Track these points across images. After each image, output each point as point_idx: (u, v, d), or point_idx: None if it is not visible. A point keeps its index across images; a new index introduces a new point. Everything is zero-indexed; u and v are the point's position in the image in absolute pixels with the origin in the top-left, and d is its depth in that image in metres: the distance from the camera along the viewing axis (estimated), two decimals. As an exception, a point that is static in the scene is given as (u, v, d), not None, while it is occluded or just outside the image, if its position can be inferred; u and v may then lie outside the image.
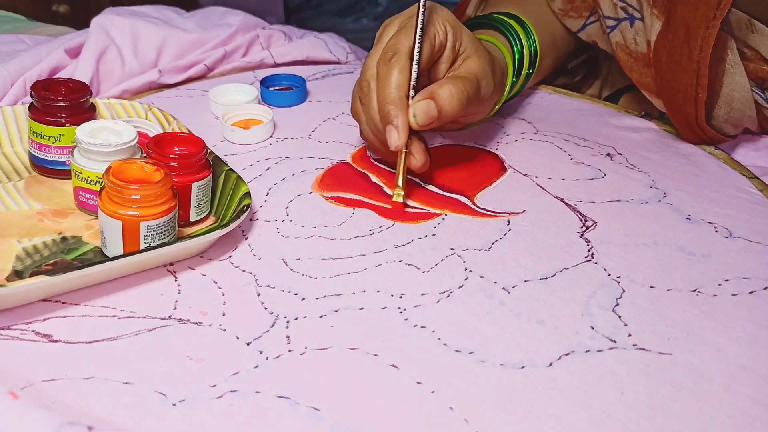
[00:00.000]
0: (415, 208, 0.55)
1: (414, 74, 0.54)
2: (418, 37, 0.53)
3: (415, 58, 0.54)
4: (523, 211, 0.55)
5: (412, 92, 0.54)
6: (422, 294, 0.46)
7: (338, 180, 0.58)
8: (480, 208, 0.56)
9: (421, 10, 0.54)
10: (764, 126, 0.66)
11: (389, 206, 0.55)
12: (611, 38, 0.68)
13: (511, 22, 0.67)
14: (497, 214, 0.55)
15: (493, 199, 0.57)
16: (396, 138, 0.52)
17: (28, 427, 0.34)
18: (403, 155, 0.54)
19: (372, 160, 0.61)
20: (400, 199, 0.54)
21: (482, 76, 0.57)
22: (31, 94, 0.55)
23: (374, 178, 0.59)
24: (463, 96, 0.53)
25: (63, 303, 0.45)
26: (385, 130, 0.53)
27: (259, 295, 0.46)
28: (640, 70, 0.66)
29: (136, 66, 0.71)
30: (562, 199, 0.57)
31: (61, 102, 0.54)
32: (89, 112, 0.56)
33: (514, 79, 0.66)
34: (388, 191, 0.57)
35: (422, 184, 0.58)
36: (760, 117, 0.64)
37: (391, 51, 0.54)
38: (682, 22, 0.59)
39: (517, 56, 0.66)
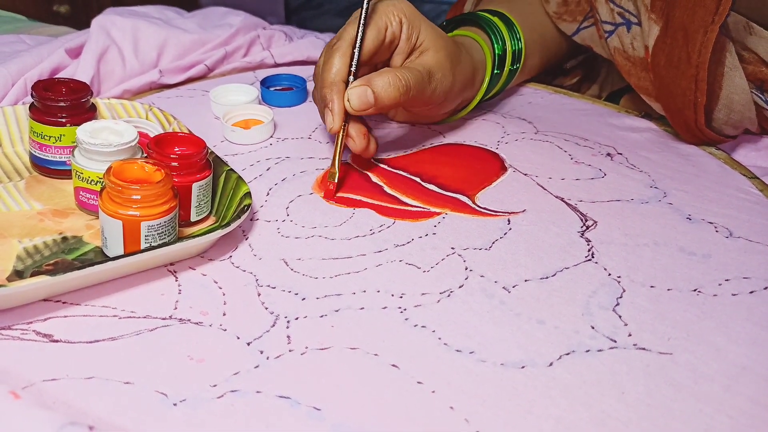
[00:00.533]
0: (415, 206, 0.55)
1: (355, 61, 0.55)
2: (361, 24, 0.55)
3: (357, 44, 0.55)
4: (523, 211, 0.55)
5: (352, 78, 0.55)
6: (423, 293, 0.46)
7: (338, 180, 0.58)
8: (480, 207, 0.56)
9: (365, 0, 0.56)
10: (764, 127, 0.66)
11: (390, 205, 0.55)
12: (609, 43, 0.68)
13: (495, 19, 0.67)
14: (498, 214, 0.55)
15: (493, 198, 0.57)
16: (330, 120, 0.54)
17: (29, 428, 0.34)
18: (340, 137, 0.55)
19: (372, 161, 0.61)
20: (335, 179, 0.56)
21: (436, 69, 0.58)
22: (31, 94, 0.55)
23: (374, 178, 0.59)
24: (401, 85, 0.54)
25: (64, 303, 0.45)
26: (323, 114, 0.55)
27: (259, 295, 0.46)
28: (638, 74, 0.66)
29: (136, 66, 0.71)
30: (562, 199, 0.57)
31: (62, 102, 0.54)
32: (90, 112, 0.56)
33: (496, 71, 0.66)
34: (389, 190, 0.57)
35: (422, 183, 0.59)
36: (760, 118, 0.64)
37: (336, 38, 0.56)
38: (681, 26, 0.59)
39: (497, 53, 0.66)
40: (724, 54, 0.60)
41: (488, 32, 0.67)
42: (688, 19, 0.58)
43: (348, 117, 0.55)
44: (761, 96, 0.62)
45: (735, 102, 0.61)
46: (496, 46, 0.66)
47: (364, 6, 0.56)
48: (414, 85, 0.56)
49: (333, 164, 0.56)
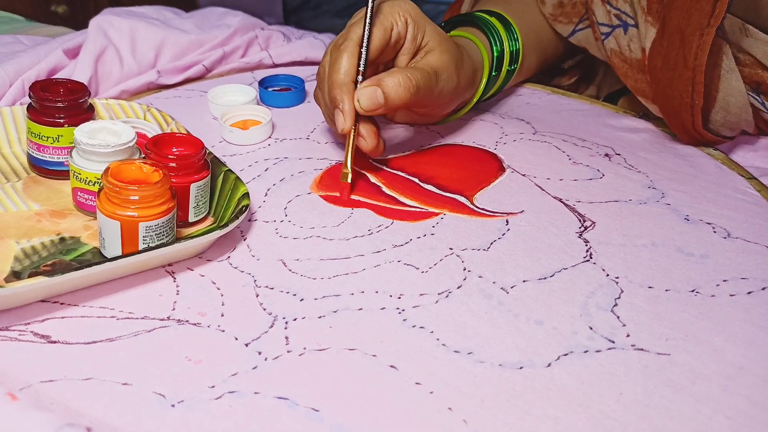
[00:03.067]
0: (413, 207, 0.55)
1: (363, 61, 0.55)
2: (367, 23, 0.55)
3: (364, 44, 0.55)
4: (521, 211, 0.55)
5: (360, 78, 0.55)
6: (421, 294, 0.46)
7: (337, 181, 0.58)
8: (479, 208, 0.56)
9: (371, 2, 0.55)
10: (762, 128, 0.66)
11: (388, 206, 0.55)
12: (606, 45, 0.68)
13: (493, 20, 0.67)
14: (496, 214, 0.55)
15: (491, 199, 0.57)
16: (342, 121, 0.54)
17: (27, 429, 0.34)
18: (351, 137, 0.55)
19: (370, 160, 0.61)
20: (348, 180, 0.55)
21: (442, 69, 0.58)
22: (29, 95, 0.55)
23: (373, 179, 0.59)
24: (411, 86, 0.54)
25: (61, 304, 0.45)
26: (334, 115, 0.55)
27: (257, 295, 0.46)
28: (635, 76, 0.66)
29: (134, 67, 0.71)
30: (560, 200, 0.57)
31: (60, 103, 0.54)
32: (88, 113, 0.56)
33: (494, 73, 0.66)
34: (387, 191, 0.57)
35: (421, 183, 0.59)
36: (757, 120, 0.64)
37: (342, 38, 0.56)
38: (677, 28, 0.59)
39: (495, 54, 0.66)
40: (721, 56, 0.60)
41: (486, 33, 0.67)
42: (684, 21, 0.58)
43: (358, 117, 0.55)
44: (757, 98, 0.62)
45: (731, 104, 0.61)
46: (494, 47, 0.66)
47: (370, 5, 0.55)
48: (423, 86, 0.56)
49: (345, 164, 0.56)
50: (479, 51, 0.65)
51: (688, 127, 0.62)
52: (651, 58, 0.62)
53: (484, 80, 0.66)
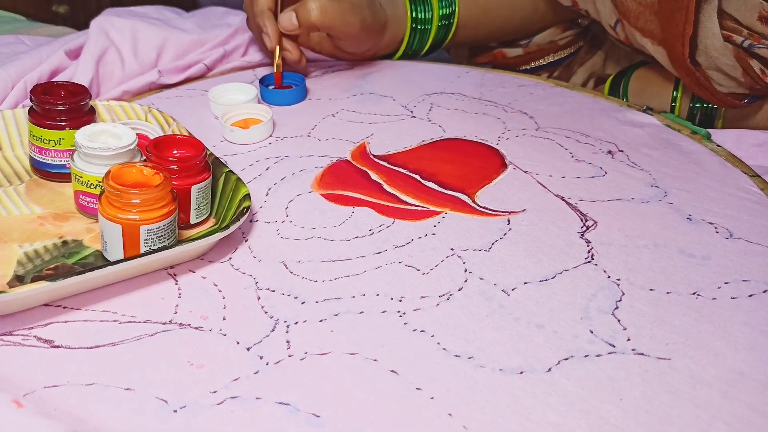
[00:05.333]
0: (414, 206, 0.55)
1: None
2: None
3: None
4: (523, 210, 0.55)
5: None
6: (422, 297, 0.46)
7: (338, 178, 0.58)
8: (480, 206, 0.56)
9: None
10: (754, 79, 0.66)
11: (389, 204, 0.55)
12: None
13: None
14: (497, 213, 0.55)
15: (493, 197, 0.57)
16: (268, 41, 0.70)
17: (30, 438, 0.35)
18: (277, 52, 0.71)
19: (371, 157, 0.61)
20: (280, 70, 0.71)
21: (355, 3, 0.69)
22: (30, 98, 0.55)
23: (374, 176, 0.59)
24: (320, 11, 0.68)
25: (64, 308, 0.45)
26: (262, 37, 0.70)
27: (259, 298, 0.46)
28: (647, 17, 0.67)
29: (136, 67, 0.71)
30: (562, 198, 0.57)
31: (61, 105, 0.54)
32: (89, 115, 0.56)
33: (417, 26, 0.77)
34: (388, 188, 0.57)
35: (422, 180, 0.58)
36: (745, 67, 0.65)
37: None
38: None
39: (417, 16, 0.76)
40: (701, 3, 0.63)
41: None
42: None
43: (281, 37, 0.71)
44: (742, 45, 0.63)
45: (709, 47, 0.65)
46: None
47: None
48: (332, 13, 0.68)
49: (274, 62, 0.71)
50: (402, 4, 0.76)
51: (680, 59, 0.66)
52: None
53: (408, 27, 0.76)
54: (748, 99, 0.69)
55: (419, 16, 0.77)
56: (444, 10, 0.78)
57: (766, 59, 0.64)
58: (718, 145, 0.64)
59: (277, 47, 0.71)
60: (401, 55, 0.79)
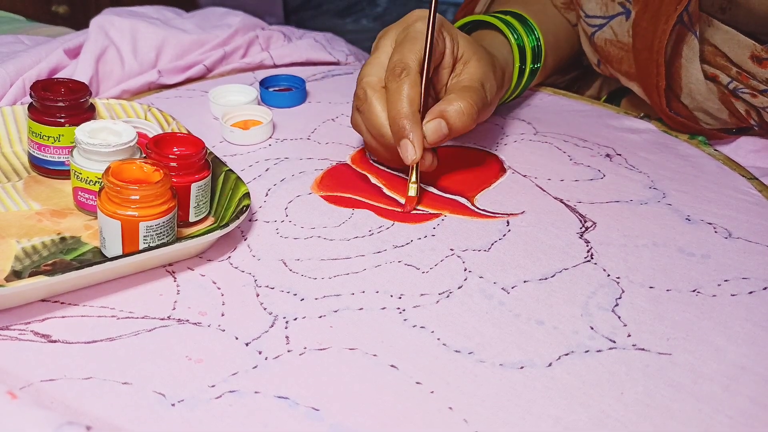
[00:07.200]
0: (414, 209, 0.55)
1: (423, 89, 0.54)
2: (428, 53, 0.54)
3: (425, 70, 0.54)
4: (522, 212, 0.55)
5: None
6: (421, 294, 0.46)
7: (337, 181, 0.58)
8: (479, 209, 0.56)
9: (430, 28, 0.54)
10: (738, 118, 0.66)
11: (388, 207, 0.55)
12: (596, 38, 0.68)
13: (509, 18, 0.67)
14: (497, 215, 0.55)
15: (492, 200, 0.57)
16: (412, 152, 0.53)
17: (26, 427, 0.34)
18: (416, 166, 0.55)
19: (371, 162, 0.61)
20: (415, 193, 0.55)
21: (485, 78, 0.57)
22: (30, 95, 0.55)
23: (373, 180, 0.59)
24: (473, 111, 0.54)
25: (62, 303, 0.45)
26: (399, 145, 0.53)
27: (258, 295, 0.46)
28: (630, 62, 0.67)
29: (135, 66, 0.71)
30: (561, 200, 0.57)
31: (61, 102, 0.54)
32: (88, 113, 0.56)
33: (522, 66, 0.66)
34: (388, 192, 0.57)
35: (422, 185, 0.58)
36: (728, 106, 0.65)
37: (400, 66, 0.54)
38: (653, 11, 0.61)
39: (519, 43, 0.66)
40: (682, 45, 0.62)
41: (505, 30, 0.66)
42: (658, 4, 0.61)
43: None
44: (727, 88, 0.63)
45: (694, 91, 0.64)
46: (518, 43, 0.66)
47: (430, 31, 0.54)
48: (480, 106, 0.55)
49: (410, 180, 0.55)
50: (503, 49, 0.65)
51: (658, 107, 0.65)
52: (633, 38, 0.64)
53: (515, 75, 0.66)
54: (735, 129, 0.69)
55: (519, 44, 0.67)
56: (533, 40, 0.68)
57: (750, 102, 0.63)
58: (716, 150, 0.64)
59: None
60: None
